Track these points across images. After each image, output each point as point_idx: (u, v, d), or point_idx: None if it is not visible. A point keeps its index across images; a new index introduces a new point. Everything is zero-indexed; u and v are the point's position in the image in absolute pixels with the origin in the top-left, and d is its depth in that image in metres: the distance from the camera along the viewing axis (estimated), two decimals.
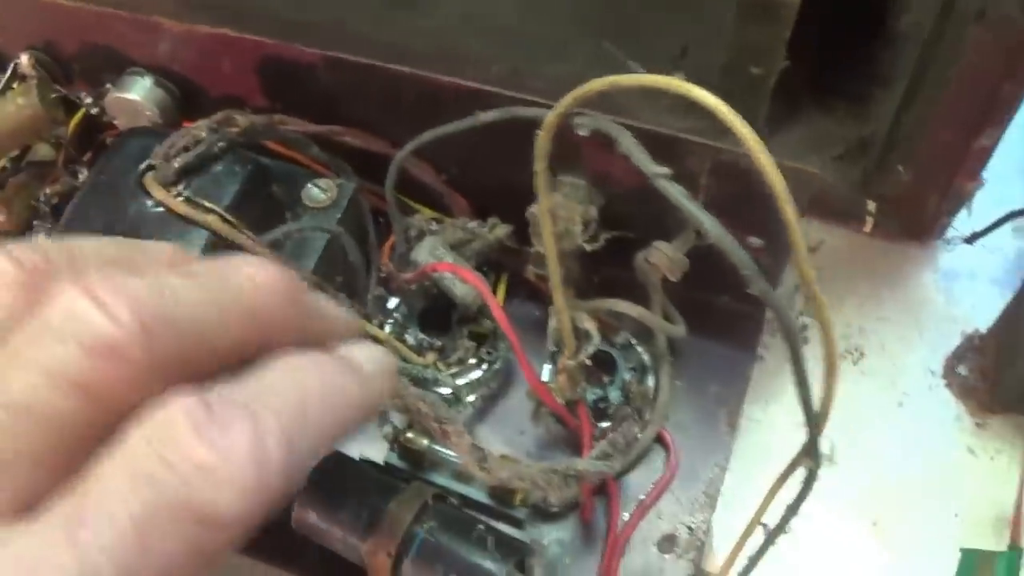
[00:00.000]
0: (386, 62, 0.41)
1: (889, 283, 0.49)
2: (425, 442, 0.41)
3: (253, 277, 0.22)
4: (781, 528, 0.34)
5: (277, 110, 0.44)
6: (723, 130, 0.30)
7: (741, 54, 0.44)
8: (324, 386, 0.22)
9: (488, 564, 0.37)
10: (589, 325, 0.39)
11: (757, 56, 0.44)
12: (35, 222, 0.48)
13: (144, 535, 0.18)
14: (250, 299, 0.22)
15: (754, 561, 0.36)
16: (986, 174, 0.46)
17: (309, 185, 0.42)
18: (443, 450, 0.40)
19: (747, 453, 0.45)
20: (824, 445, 0.44)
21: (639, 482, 0.43)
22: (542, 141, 0.33)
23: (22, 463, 0.19)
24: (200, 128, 0.40)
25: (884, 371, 0.47)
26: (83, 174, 0.48)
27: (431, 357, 0.43)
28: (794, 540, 0.43)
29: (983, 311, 0.48)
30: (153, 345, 0.19)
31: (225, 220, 0.39)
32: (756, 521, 0.35)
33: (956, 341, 0.48)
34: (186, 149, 0.40)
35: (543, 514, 0.42)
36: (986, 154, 0.44)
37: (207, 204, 0.39)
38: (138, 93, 0.45)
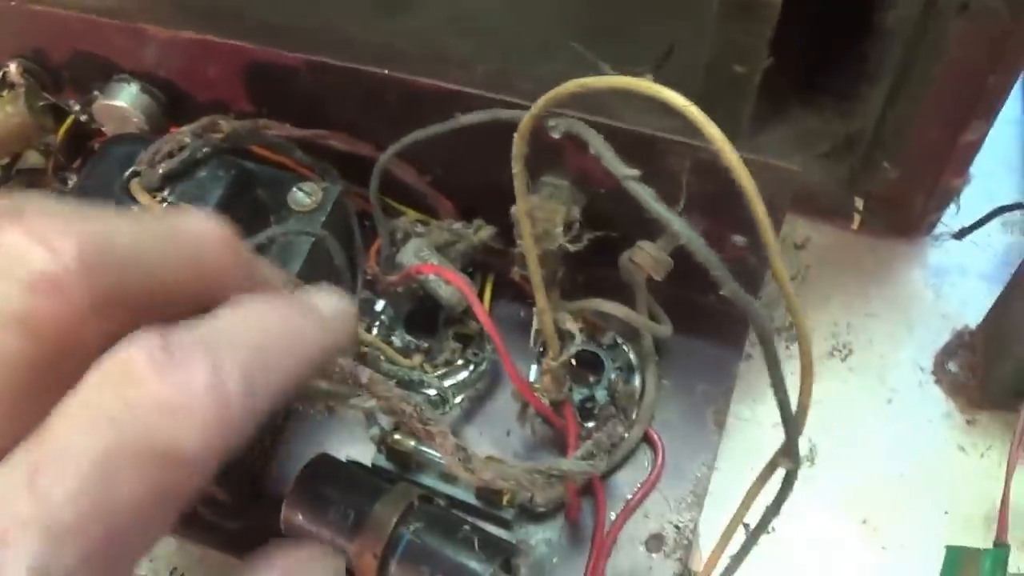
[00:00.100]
0: (371, 65, 0.42)
1: (877, 280, 0.49)
2: (412, 443, 0.41)
3: (194, 223, 0.22)
4: (763, 528, 0.34)
5: (263, 115, 0.44)
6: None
7: (724, 53, 0.44)
8: (282, 326, 0.22)
9: (474, 564, 0.37)
10: (572, 325, 0.39)
11: (740, 55, 0.44)
12: None
13: (106, 477, 0.17)
14: (194, 243, 0.22)
15: (737, 560, 0.36)
16: (974, 170, 0.46)
17: (294, 189, 0.42)
18: (430, 451, 0.41)
19: (735, 452, 0.45)
20: (804, 445, 0.45)
21: (626, 481, 0.43)
22: (518, 143, 0.33)
23: None
24: (184, 134, 0.41)
25: (873, 368, 0.47)
26: (72, 181, 0.48)
27: (417, 359, 0.43)
28: (783, 539, 0.43)
29: (973, 307, 0.48)
30: (95, 280, 0.19)
31: None
32: (738, 521, 0.35)
33: (946, 337, 0.47)
34: (171, 155, 0.40)
35: (530, 514, 0.42)
36: (973, 149, 0.43)
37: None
38: (125, 100, 0.45)
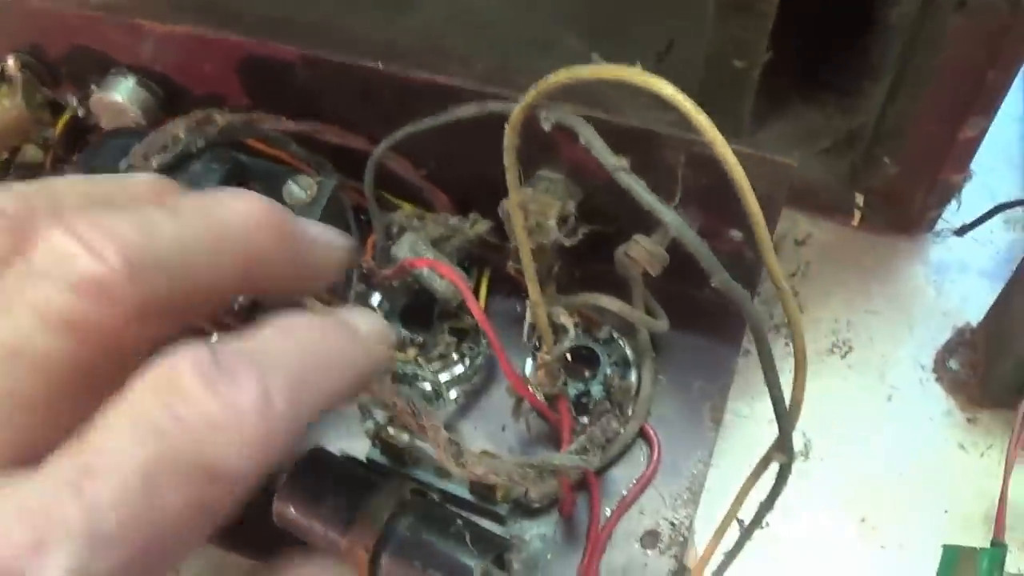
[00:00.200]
0: (370, 60, 0.41)
1: (878, 277, 0.48)
2: (406, 438, 0.41)
3: (241, 211, 0.22)
4: (757, 523, 0.34)
5: (259, 109, 0.44)
6: None
7: (723, 47, 0.44)
8: (325, 346, 0.22)
9: (466, 559, 0.36)
10: (566, 319, 0.39)
11: (739, 49, 0.44)
12: None
13: (150, 488, 0.17)
14: (240, 234, 0.22)
15: (731, 556, 0.35)
16: (975, 166, 0.45)
17: (289, 183, 0.42)
18: (424, 445, 0.40)
19: (732, 449, 0.45)
20: (801, 441, 0.45)
21: (622, 477, 0.42)
22: (509, 134, 0.33)
23: (17, 408, 0.18)
24: (178, 127, 0.41)
25: (873, 365, 0.47)
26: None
27: (412, 353, 0.43)
28: (780, 537, 0.43)
29: (974, 304, 0.47)
30: (141, 283, 0.19)
31: None
32: (732, 517, 0.34)
33: (947, 335, 0.47)
34: (164, 148, 0.40)
35: (525, 510, 0.42)
36: (973, 145, 0.43)
37: None
38: (121, 94, 0.45)
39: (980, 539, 0.41)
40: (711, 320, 0.45)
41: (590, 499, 0.41)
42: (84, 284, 0.19)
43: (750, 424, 0.45)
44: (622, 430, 0.42)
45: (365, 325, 0.24)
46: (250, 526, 0.41)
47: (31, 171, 0.49)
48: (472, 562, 0.36)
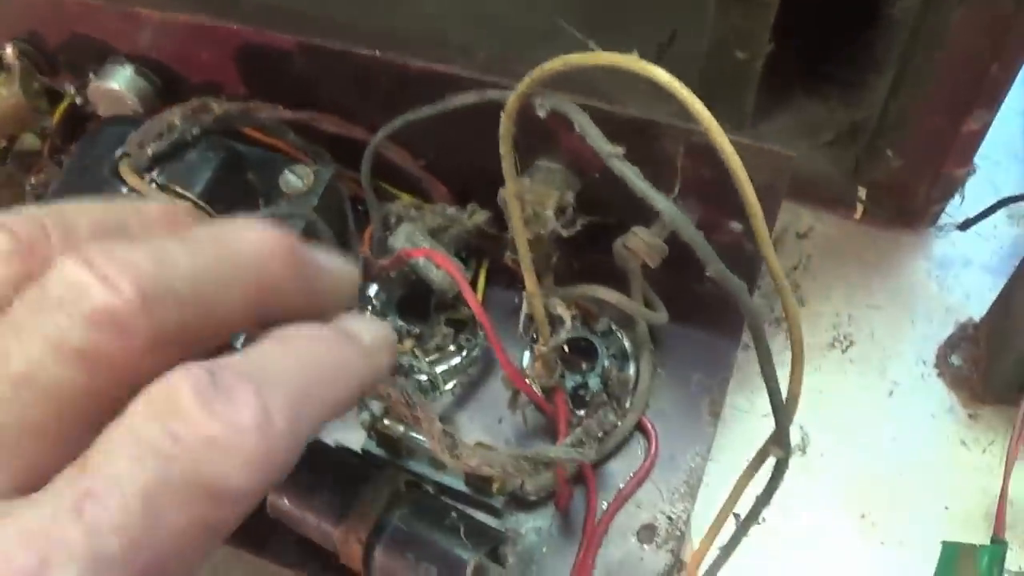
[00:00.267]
0: (367, 48, 0.41)
1: (880, 271, 0.48)
2: (401, 429, 0.40)
3: (254, 242, 0.22)
4: (753, 518, 0.34)
5: (256, 97, 0.44)
6: None
7: (724, 38, 0.44)
8: (326, 358, 0.22)
9: (460, 552, 0.36)
10: (562, 311, 0.38)
11: (741, 40, 0.44)
12: None
13: (152, 509, 0.17)
14: (253, 265, 0.21)
15: (727, 552, 0.35)
16: (979, 160, 0.45)
17: (286, 172, 0.42)
18: (419, 437, 0.40)
19: (732, 443, 0.44)
20: (796, 434, 0.44)
21: (619, 471, 0.42)
22: (504, 122, 0.32)
23: (26, 436, 0.19)
24: (174, 115, 0.40)
25: (874, 360, 0.46)
26: None
27: (409, 344, 0.43)
28: (779, 532, 0.43)
29: (977, 299, 0.47)
30: (154, 315, 0.19)
31: (198, 207, 0.39)
32: (728, 512, 0.34)
33: (949, 330, 0.47)
34: (160, 136, 0.40)
35: (521, 503, 0.41)
36: (976, 139, 0.43)
37: (179, 191, 0.39)
38: (119, 82, 0.45)
39: (981, 536, 0.41)
40: (711, 313, 0.44)
41: (587, 492, 0.41)
42: (98, 316, 0.19)
43: (749, 418, 0.45)
44: (619, 423, 0.42)
45: (368, 334, 0.24)
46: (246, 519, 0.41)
47: (29, 159, 0.49)
48: (466, 555, 0.36)
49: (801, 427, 0.44)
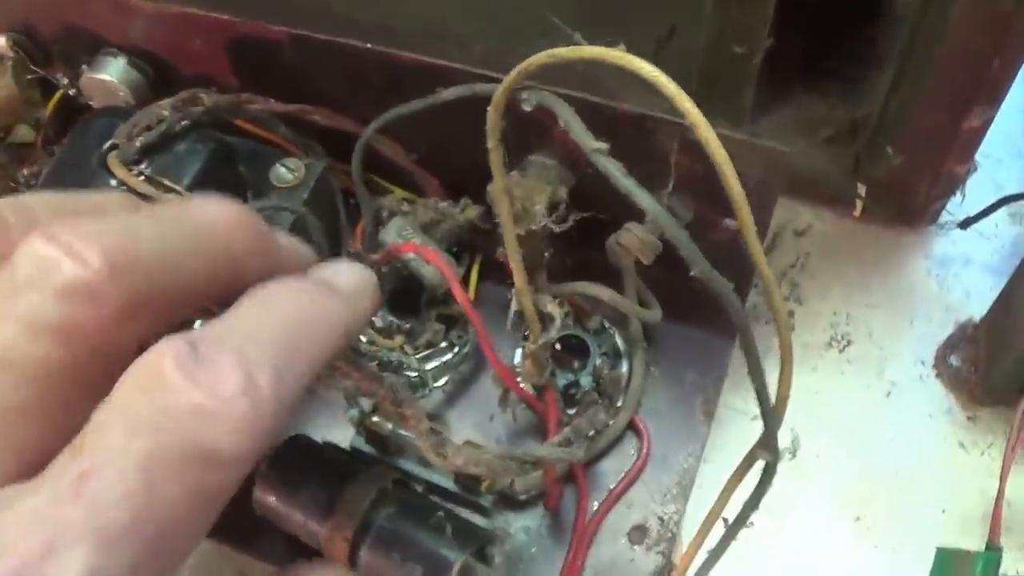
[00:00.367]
0: (358, 40, 0.41)
1: (879, 270, 0.47)
2: (390, 426, 0.40)
3: (216, 214, 0.22)
4: (741, 522, 0.33)
5: (249, 89, 0.44)
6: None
7: (723, 33, 0.43)
8: (306, 312, 0.22)
9: (446, 552, 0.36)
10: (552, 308, 0.38)
11: (739, 35, 0.43)
12: None
13: (149, 482, 0.18)
14: (215, 235, 0.22)
15: (716, 555, 0.34)
16: (981, 158, 0.44)
17: (277, 165, 0.42)
18: (409, 434, 0.40)
19: (727, 444, 0.44)
20: (786, 437, 0.44)
21: (610, 470, 0.42)
22: (492, 116, 0.32)
23: (13, 419, 0.19)
24: (164, 107, 0.40)
25: (871, 360, 0.46)
26: None
27: (399, 340, 0.42)
28: (771, 534, 0.42)
29: (977, 299, 0.46)
30: (125, 284, 0.19)
31: None
32: (716, 515, 0.34)
33: (948, 330, 0.46)
34: (149, 128, 0.40)
35: (511, 502, 0.41)
36: (977, 136, 0.42)
37: (167, 183, 0.39)
38: (111, 73, 0.45)
39: (978, 541, 0.40)
40: (706, 311, 0.43)
41: (577, 492, 0.41)
42: (68, 289, 0.19)
43: (745, 419, 0.44)
44: (610, 422, 0.41)
45: (345, 280, 0.24)
46: (231, 514, 0.41)
47: (23, 150, 0.49)
48: (452, 555, 0.36)
49: (792, 429, 0.43)
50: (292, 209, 0.40)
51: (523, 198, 0.36)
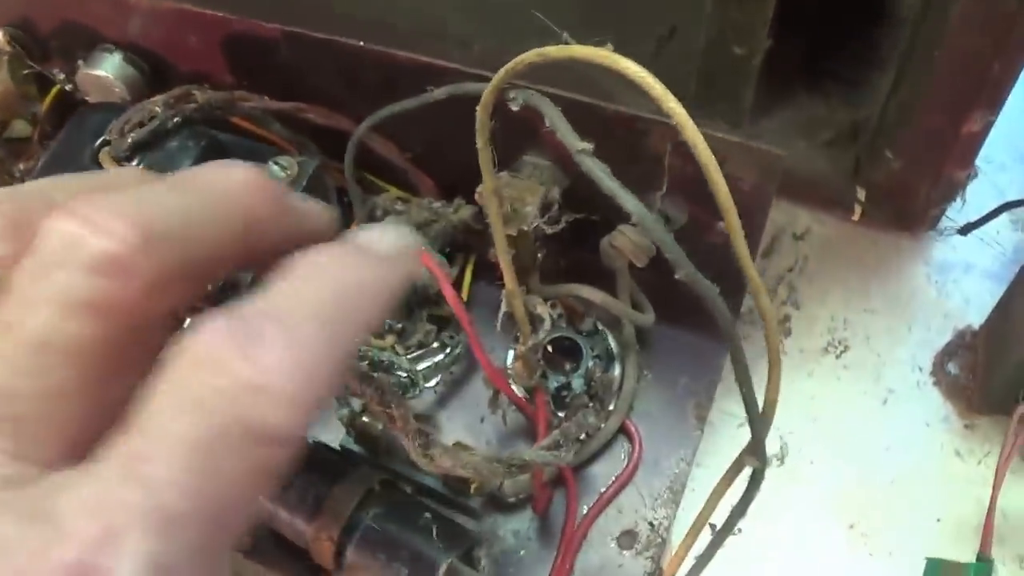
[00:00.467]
0: (352, 38, 0.40)
1: (878, 275, 0.47)
2: (380, 426, 0.40)
3: (237, 179, 0.22)
4: (728, 529, 0.33)
5: (244, 87, 0.43)
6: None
7: (722, 33, 0.43)
8: (348, 280, 0.21)
9: (432, 553, 0.36)
10: (542, 309, 0.37)
11: (739, 35, 0.43)
12: None
13: (207, 462, 0.17)
14: (239, 200, 0.22)
15: (703, 562, 0.34)
16: (983, 163, 0.43)
17: (270, 162, 0.41)
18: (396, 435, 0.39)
19: (720, 448, 0.43)
20: (775, 443, 0.43)
21: (601, 474, 0.41)
22: (480, 117, 0.32)
23: (55, 402, 0.19)
24: (156, 103, 0.40)
25: (868, 366, 0.45)
26: None
27: (390, 340, 0.42)
28: (763, 539, 0.42)
29: (977, 306, 0.45)
30: (155, 254, 0.19)
31: None
32: (703, 521, 0.33)
33: (947, 337, 0.45)
34: (141, 125, 0.39)
35: (500, 504, 0.41)
36: (976, 141, 0.41)
37: None
38: (107, 69, 0.45)
39: (972, 550, 0.39)
40: (700, 315, 0.43)
41: (567, 495, 0.40)
42: (99, 263, 0.18)
43: (739, 423, 0.44)
44: (601, 425, 0.41)
45: (384, 243, 0.24)
46: None
47: (19, 145, 0.49)
48: (438, 557, 0.35)
49: (784, 435, 0.43)
50: None
51: (513, 199, 0.36)
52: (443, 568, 0.35)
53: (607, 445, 0.41)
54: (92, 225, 0.19)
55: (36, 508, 0.17)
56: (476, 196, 0.35)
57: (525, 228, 0.37)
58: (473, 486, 0.39)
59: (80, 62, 0.46)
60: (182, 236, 0.20)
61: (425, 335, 0.42)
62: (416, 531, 0.36)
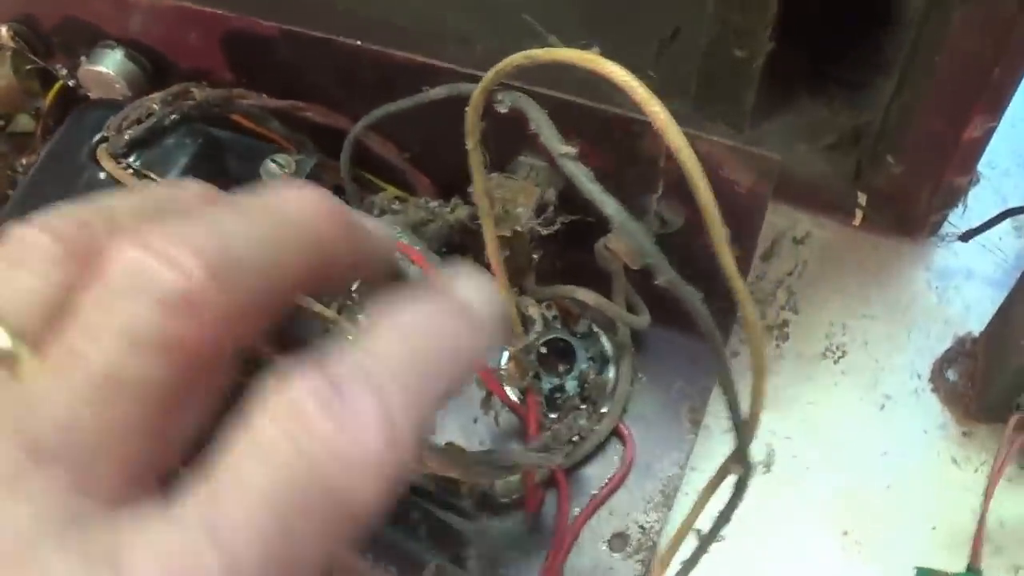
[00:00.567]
0: (350, 37, 0.41)
1: (878, 280, 0.46)
2: None
3: (302, 203, 0.21)
4: (712, 536, 0.33)
5: (244, 84, 0.44)
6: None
7: (723, 36, 0.42)
8: (442, 342, 0.20)
9: (420, 554, 0.36)
10: (534, 311, 0.37)
11: (740, 39, 0.42)
12: (10, 192, 0.48)
13: (285, 527, 0.17)
14: (306, 226, 0.21)
15: (687, 568, 0.34)
16: (985, 169, 0.43)
17: (267, 160, 0.41)
18: None
19: (714, 452, 0.43)
20: (762, 450, 0.43)
21: (594, 476, 0.41)
22: (471, 118, 0.31)
23: (123, 438, 0.18)
24: (154, 100, 0.40)
25: (866, 372, 0.45)
26: None
27: None
28: (756, 545, 0.42)
29: (977, 313, 0.45)
30: (228, 290, 0.18)
31: None
32: (688, 527, 0.33)
33: (947, 344, 0.45)
34: (139, 121, 0.40)
35: (491, 505, 0.41)
36: (978, 146, 0.41)
37: (154, 176, 0.39)
38: (109, 66, 0.45)
39: (966, 559, 0.39)
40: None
41: (558, 497, 0.40)
42: (170, 300, 0.18)
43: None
44: (594, 428, 0.41)
45: (479, 301, 0.22)
46: None
47: (23, 140, 0.49)
48: (427, 556, 0.35)
49: (777, 441, 0.43)
50: None
51: (505, 200, 0.36)
52: (431, 569, 0.35)
53: (600, 447, 0.41)
54: (163, 258, 0.18)
55: (100, 550, 0.16)
56: (469, 196, 0.35)
57: (519, 229, 0.37)
58: (464, 486, 0.39)
59: (82, 58, 0.46)
60: (256, 269, 0.19)
61: None
62: (405, 531, 0.36)
